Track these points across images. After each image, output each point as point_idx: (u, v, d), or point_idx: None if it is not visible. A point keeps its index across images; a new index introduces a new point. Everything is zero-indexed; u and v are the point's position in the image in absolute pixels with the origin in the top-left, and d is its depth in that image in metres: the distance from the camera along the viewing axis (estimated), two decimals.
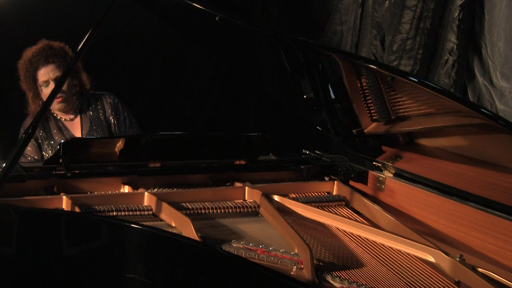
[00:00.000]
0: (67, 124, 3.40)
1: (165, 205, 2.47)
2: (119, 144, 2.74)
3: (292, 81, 3.02)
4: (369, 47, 4.81)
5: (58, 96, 3.28)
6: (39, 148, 3.32)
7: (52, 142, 3.32)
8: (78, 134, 3.39)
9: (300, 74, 2.95)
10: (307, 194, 2.82)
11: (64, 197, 2.45)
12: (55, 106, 3.36)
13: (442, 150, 2.73)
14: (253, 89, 5.21)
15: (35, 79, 3.32)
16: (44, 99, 3.31)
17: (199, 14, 3.00)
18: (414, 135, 2.85)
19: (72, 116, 3.42)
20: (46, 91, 3.31)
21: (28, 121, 3.38)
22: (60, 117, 3.40)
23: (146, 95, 4.86)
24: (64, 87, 3.30)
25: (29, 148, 3.30)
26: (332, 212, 2.64)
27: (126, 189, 2.66)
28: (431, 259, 2.27)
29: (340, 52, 3.68)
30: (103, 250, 2.20)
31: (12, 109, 4.30)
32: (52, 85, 3.29)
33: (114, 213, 2.42)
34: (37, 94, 3.35)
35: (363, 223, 2.56)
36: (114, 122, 3.45)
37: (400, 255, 2.34)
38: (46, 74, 3.30)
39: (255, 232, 2.44)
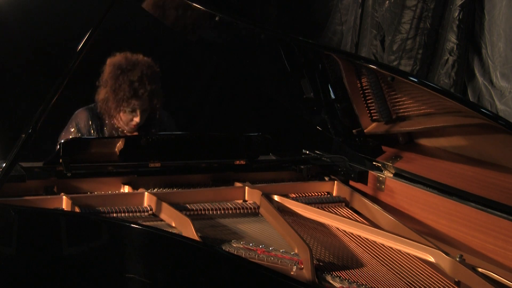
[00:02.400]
0: (125, 133, 3.30)
1: (165, 205, 2.47)
2: (119, 144, 2.74)
3: (292, 81, 3.02)
4: (369, 47, 4.82)
5: (135, 124, 3.21)
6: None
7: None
8: None
9: (300, 74, 2.95)
10: (307, 194, 2.82)
11: (64, 197, 2.45)
12: (126, 128, 3.25)
13: (442, 150, 2.73)
14: (253, 89, 5.21)
15: (127, 101, 3.19)
16: (120, 116, 3.23)
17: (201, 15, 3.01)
18: (414, 135, 2.85)
19: (131, 131, 3.31)
20: (127, 114, 3.21)
21: (82, 115, 3.26)
22: (118, 127, 3.29)
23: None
24: (143, 117, 3.22)
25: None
26: (332, 212, 2.64)
27: (126, 189, 2.66)
28: (431, 259, 2.27)
29: (340, 52, 3.68)
30: (103, 250, 2.20)
31: (12, 109, 4.30)
32: (138, 117, 3.20)
33: (114, 213, 2.42)
34: (119, 106, 3.21)
35: (363, 223, 2.56)
36: None
37: (400, 255, 2.34)
38: (140, 105, 3.19)
39: (255, 232, 2.44)
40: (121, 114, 3.24)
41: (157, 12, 3.24)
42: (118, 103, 3.21)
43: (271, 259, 2.18)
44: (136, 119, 3.23)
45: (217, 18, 2.83)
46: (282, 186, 2.82)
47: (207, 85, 5.33)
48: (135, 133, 3.32)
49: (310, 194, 2.83)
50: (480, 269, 2.16)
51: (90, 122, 3.28)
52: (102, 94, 3.28)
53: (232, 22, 2.93)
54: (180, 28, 3.34)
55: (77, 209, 2.38)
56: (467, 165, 2.59)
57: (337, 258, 2.29)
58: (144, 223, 2.30)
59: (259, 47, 3.26)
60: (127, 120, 3.24)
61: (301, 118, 3.31)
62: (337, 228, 2.55)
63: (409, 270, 2.23)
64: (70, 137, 3.22)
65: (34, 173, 2.58)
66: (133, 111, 3.22)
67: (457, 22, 4.18)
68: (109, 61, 3.27)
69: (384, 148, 2.93)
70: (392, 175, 2.83)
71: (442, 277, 2.18)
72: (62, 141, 2.63)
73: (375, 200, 2.79)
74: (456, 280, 2.17)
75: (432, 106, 2.55)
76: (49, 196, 2.50)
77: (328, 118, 2.99)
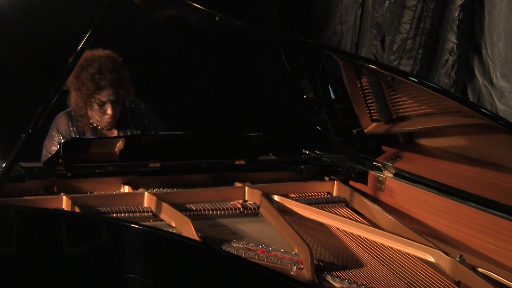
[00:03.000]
0: (104, 131, 3.32)
1: (165, 205, 2.47)
2: (119, 144, 2.74)
3: (292, 81, 3.02)
4: (369, 47, 4.82)
5: (110, 119, 3.23)
6: None
7: None
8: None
9: (300, 74, 2.95)
10: (307, 194, 2.82)
11: (64, 197, 2.45)
12: (102, 123, 3.27)
13: (442, 150, 2.73)
14: (253, 89, 5.21)
15: (91, 95, 3.21)
16: (93, 113, 3.24)
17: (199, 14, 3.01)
18: (414, 135, 2.85)
19: (109, 127, 3.33)
20: (98, 109, 3.23)
21: (61, 120, 3.28)
22: (97, 126, 3.31)
23: (146, 95, 4.85)
24: (119, 109, 3.25)
25: (52, 147, 3.24)
26: (332, 212, 2.64)
27: (126, 189, 2.66)
28: (431, 259, 2.27)
29: (340, 52, 3.68)
30: (103, 250, 2.20)
31: (12, 109, 4.30)
32: (109, 109, 3.21)
33: (114, 213, 2.42)
34: (87, 103, 3.23)
35: (363, 223, 2.56)
36: (149, 127, 3.41)
37: (400, 255, 2.34)
38: (107, 96, 3.22)
39: (255, 232, 2.44)
40: (93, 112, 3.26)
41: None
42: (86, 100, 3.23)
43: (271, 259, 2.18)
44: (108, 112, 3.24)
45: (217, 18, 2.82)
46: (282, 186, 2.82)
47: (207, 85, 5.33)
48: (115, 130, 3.34)
49: (310, 194, 2.83)
50: (480, 269, 2.16)
51: (71, 125, 3.29)
52: (72, 97, 3.30)
53: (232, 22, 2.93)
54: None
55: (77, 209, 2.38)
56: (467, 165, 2.59)
57: (337, 258, 2.29)
58: (144, 223, 2.30)
59: (259, 47, 3.26)
60: (101, 115, 3.26)
61: (301, 118, 3.31)
62: (337, 228, 2.55)
63: (409, 270, 2.23)
64: (54, 142, 3.24)
65: (34, 173, 2.58)
66: (102, 105, 3.24)
67: (457, 22, 4.18)
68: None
69: (384, 148, 2.93)
70: (392, 175, 2.83)
71: (442, 277, 2.18)
72: (62, 141, 2.63)
73: (375, 200, 2.79)
74: (456, 280, 2.17)
75: (432, 106, 2.55)
76: (49, 196, 2.50)
77: (328, 118, 2.99)
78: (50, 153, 3.23)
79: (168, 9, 3.27)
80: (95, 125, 3.31)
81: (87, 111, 3.27)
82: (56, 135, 3.27)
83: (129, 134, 3.35)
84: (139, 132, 3.39)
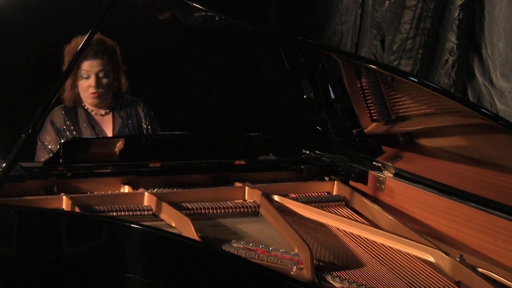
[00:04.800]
0: (97, 118, 3.37)
1: (165, 205, 2.47)
2: (119, 144, 2.74)
3: (292, 81, 3.02)
4: (369, 47, 4.82)
5: (93, 91, 3.30)
6: (59, 138, 3.30)
7: (77, 135, 3.30)
8: (109, 130, 3.37)
9: (300, 74, 2.95)
10: (307, 194, 2.82)
11: (64, 197, 2.45)
12: (88, 100, 3.34)
13: (442, 150, 2.73)
14: (253, 89, 5.21)
15: (78, 67, 3.29)
16: (80, 90, 3.31)
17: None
18: (414, 135, 2.85)
19: (103, 112, 3.39)
20: (83, 83, 3.29)
21: (57, 113, 3.34)
22: (91, 110, 3.37)
23: (145, 95, 4.86)
24: (103, 83, 3.31)
25: (47, 137, 3.28)
26: (332, 212, 2.64)
27: (126, 189, 2.66)
28: (431, 259, 2.27)
29: (340, 52, 3.68)
30: (103, 250, 2.20)
31: (12, 109, 4.30)
32: (92, 79, 3.28)
33: (114, 213, 2.42)
34: (75, 83, 3.32)
35: (363, 223, 2.56)
36: (147, 127, 3.45)
37: (400, 255, 2.34)
38: (90, 67, 3.28)
39: (255, 232, 2.44)
40: (80, 85, 3.32)
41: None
42: (74, 74, 3.28)
43: (271, 259, 2.18)
44: (91, 83, 3.28)
45: (217, 18, 2.82)
46: (282, 186, 2.82)
47: (207, 85, 5.33)
48: (110, 115, 3.39)
49: (310, 194, 2.83)
50: (480, 269, 2.16)
51: (65, 115, 3.34)
52: (66, 86, 3.35)
53: (232, 22, 2.93)
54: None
55: (77, 209, 2.38)
56: (467, 165, 2.59)
57: (337, 258, 2.29)
58: (144, 223, 2.30)
59: (259, 47, 3.26)
60: (85, 88, 3.30)
61: (301, 118, 3.31)
62: (337, 228, 2.55)
63: (409, 270, 2.23)
64: (48, 133, 3.27)
65: (34, 173, 2.58)
66: (87, 76, 3.29)
67: (457, 22, 4.18)
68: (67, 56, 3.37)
69: (384, 148, 2.93)
70: (392, 175, 2.83)
71: (442, 277, 2.18)
72: (62, 141, 2.63)
73: (375, 200, 2.79)
74: (456, 280, 2.17)
75: (432, 106, 2.55)
76: (49, 196, 2.50)
77: (328, 118, 2.99)
78: (44, 144, 3.25)
79: (170, 10, 3.28)
80: (86, 107, 3.37)
81: (75, 87, 3.32)
82: (50, 127, 3.30)
83: (123, 121, 3.40)
84: (134, 120, 3.43)
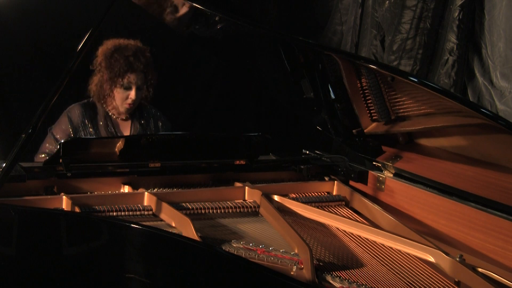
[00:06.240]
0: (117, 122, 3.37)
1: (165, 205, 2.47)
2: (119, 144, 2.74)
3: (292, 81, 3.02)
4: (369, 47, 4.81)
5: (132, 103, 3.29)
6: (74, 134, 3.28)
7: (93, 134, 3.29)
8: (126, 134, 3.37)
9: (300, 74, 2.95)
10: (307, 194, 2.82)
11: (64, 197, 2.45)
12: (121, 108, 3.32)
13: (442, 150, 2.73)
14: (253, 89, 5.21)
15: (121, 76, 3.27)
16: (115, 98, 3.30)
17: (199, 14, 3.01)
18: (414, 135, 2.85)
19: (123, 117, 3.38)
20: (122, 92, 3.28)
21: (75, 110, 3.31)
22: (112, 114, 3.37)
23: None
24: (140, 96, 3.32)
25: (61, 130, 3.26)
26: (332, 212, 2.64)
27: (126, 189, 2.66)
28: (431, 259, 2.27)
29: (340, 52, 3.68)
30: (103, 250, 2.20)
31: (12, 109, 4.30)
32: (133, 92, 3.28)
33: (114, 213, 2.42)
34: (114, 83, 3.28)
35: (363, 223, 2.56)
36: None
37: (400, 255, 2.34)
38: (135, 79, 3.28)
39: (255, 232, 2.44)
40: (116, 92, 3.30)
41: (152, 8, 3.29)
42: (113, 79, 3.27)
43: (271, 259, 2.18)
44: (132, 96, 3.29)
45: (217, 18, 2.82)
46: (282, 186, 2.82)
47: (207, 85, 5.33)
48: (129, 122, 3.37)
49: (310, 194, 2.83)
50: (480, 269, 2.16)
51: (84, 113, 3.32)
52: (96, 79, 3.35)
53: (232, 22, 2.93)
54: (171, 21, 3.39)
55: (77, 209, 2.38)
56: (467, 165, 2.59)
57: (337, 258, 2.29)
58: (144, 223, 2.30)
59: (259, 47, 3.26)
60: (123, 98, 3.30)
61: (301, 118, 3.31)
62: (337, 228, 2.55)
63: (409, 270, 2.23)
64: (61, 129, 3.25)
65: (34, 173, 2.58)
66: (128, 87, 3.29)
67: (457, 22, 4.18)
68: (100, 49, 3.35)
69: (384, 148, 2.93)
70: (392, 175, 2.83)
71: (442, 277, 2.18)
72: (62, 141, 2.63)
73: (375, 200, 2.79)
74: (456, 280, 2.17)
75: (432, 106, 2.55)
76: (49, 196, 2.50)
77: (328, 118, 2.99)
78: (54, 137, 3.24)
79: (171, 11, 3.27)
80: (110, 113, 3.35)
81: (110, 92, 3.30)
82: (67, 120, 3.28)
83: (139, 129, 3.38)
84: (149, 129, 3.43)
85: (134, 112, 3.41)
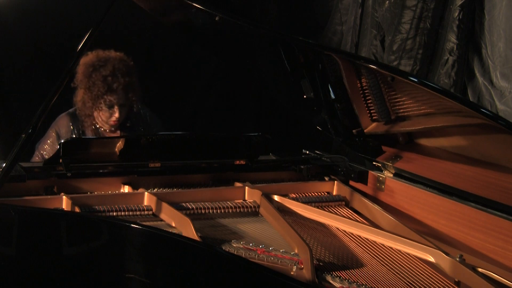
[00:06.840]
0: (106, 134, 3.33)
1: (165, 205, 2.47)
2: (119, 144, 2.74)
3: (292, 81, 3.02)
4: (369, 47, 4.81)
5: (114, 120, 3.25)
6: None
7: None
8: None
9: (300, 74, 2.95)
10: (307, 194, 2.82)
11: (64, 197, 2.45)
12: (106, 125, 3.28)
13: (442, 150, 2.73)
14: (253, 89, 5.21)
15: (99, 94, 3.21)
16: (100, 116, 3.26)
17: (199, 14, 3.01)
18: (414, 135, 2.85)
19: (113, 128, 3.34)
20: (105, 112, 3.25)
21: (62, 122, 3.29)
22: (100, 127, 3.33)
23: (145, 95, 4.86)
24: (125, 112, 3.28)
25: (46, 146, 3.24)
26: (332, 212, 2.64)
27: (126, 189, 2.66)
28: (431, 259, 2.27)
29: (340, 52, 3.68)
30: (103, 250, 2.20)
31: (12, 109, 4.30)
32: (117, 111, 3.23)
33: (114, 213, 2.42)
34: (95, 103, 3.23)
35: (363, 223, 2.56)
36: None
37: (400, 255, 2.34)
38: (117, 99, 3.24)
39: (255, 232, 2.44)
40: (100, 112, 3.27)
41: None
42: (95, 100, 3.24)
43: (271, 259, 2.18)
44: (115, 115, 3.26)
45: (217, 18, 2.82)
46: (282, 186, 2.82)
47: (207, 85, 5.33)
48: (118, 132, 3.35)
49: (310, 194, 2.83)
50: (480, 269, 2.16)
51: (72, 126, 3.29)
52: (79, 95, 3.31)
53: (232, 22, 2.93)
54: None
55: (77, 209, 2.38)
56: (467, 165, 2.58)
57: (337, 258, 2.29)
58: (144, 223, 2.30)
59: (259, 47, 3.26)
60: (107, 117, 3.27)
61: (301, 118, 3.31)
62: (337, 228, 2.55)
63: (409, 270, 2.23)
64: (48, 142, 3.24)
65: (34, 173, 2.58)
66: (110, 107, 3.25)
67: (457, 22, 4.18)
68: (82, 60, 3.28)
69: (384, 148, 2.93)
70: (392, 175, 2.83)
71: (442, 277, 2.18)
72: (62, 141, 2.63)
73: (375, 200, 2.79)
74: (456, 280, 2.17)
75: (432, 106, 2.55)
76: (49, 196, 2.50)
77: (328, 118, 2.99)
78: (41, 154, 3.22)
79: (172, 11, 3.28)
80: (98, 126, 3.32)
81: (94, 111, 3.28)
82: (54, 136, 3.27)
83: (127, 130, 3.36)
84: (141, 130, 3.41)
85: (123, 123, 3.36)
